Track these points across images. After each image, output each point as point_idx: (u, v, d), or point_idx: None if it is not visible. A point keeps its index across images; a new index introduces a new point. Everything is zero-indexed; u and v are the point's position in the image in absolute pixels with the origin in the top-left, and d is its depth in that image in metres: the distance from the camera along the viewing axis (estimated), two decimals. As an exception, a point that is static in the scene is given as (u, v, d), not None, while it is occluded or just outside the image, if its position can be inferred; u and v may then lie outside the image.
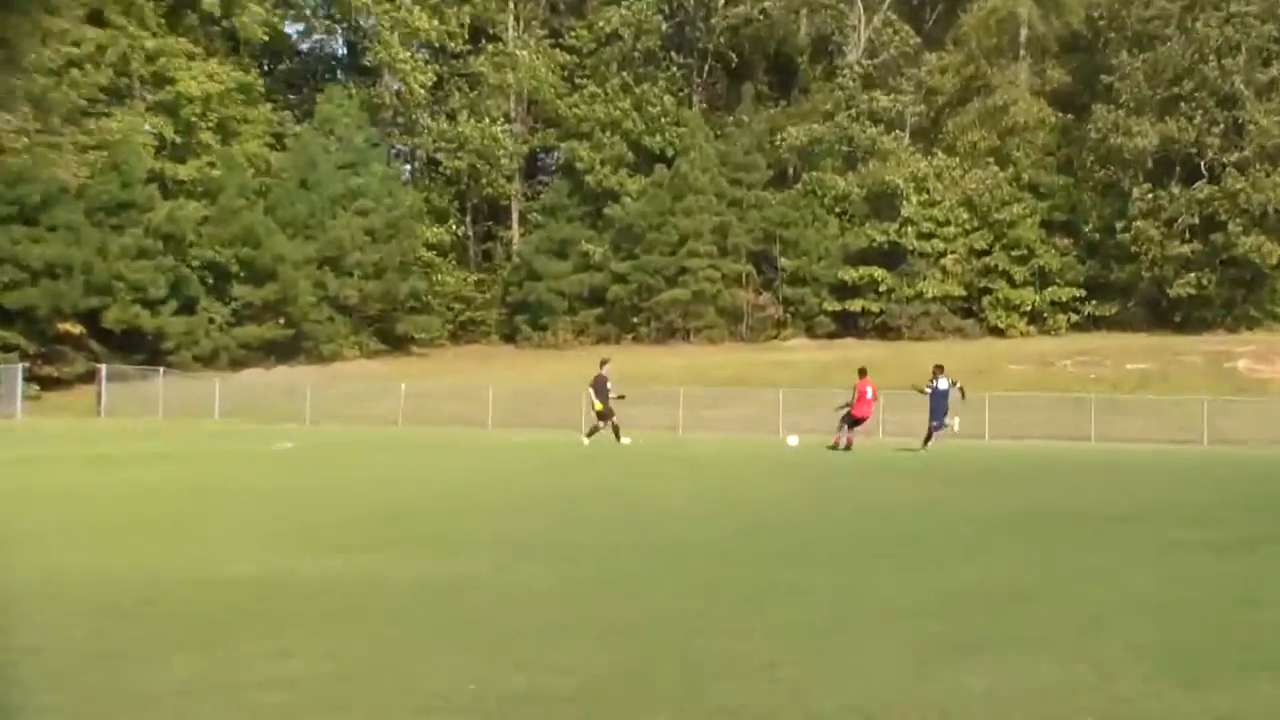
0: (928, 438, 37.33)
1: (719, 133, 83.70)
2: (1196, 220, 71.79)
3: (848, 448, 37.13)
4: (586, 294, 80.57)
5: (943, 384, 36.96)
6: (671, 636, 9.23)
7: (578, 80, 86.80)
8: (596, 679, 7.94)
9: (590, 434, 39.54)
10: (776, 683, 7.95)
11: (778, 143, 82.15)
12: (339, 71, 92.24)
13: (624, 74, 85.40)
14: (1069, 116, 78.68)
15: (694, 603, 10.60)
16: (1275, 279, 72.25)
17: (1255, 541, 15.41)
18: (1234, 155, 71.41)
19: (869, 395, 38.45)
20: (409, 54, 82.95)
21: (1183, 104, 72.55)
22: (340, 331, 74.39)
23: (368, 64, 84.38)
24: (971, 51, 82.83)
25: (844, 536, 15.84)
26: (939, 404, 37.17)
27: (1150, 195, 72.13)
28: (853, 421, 38.33)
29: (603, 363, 40.57)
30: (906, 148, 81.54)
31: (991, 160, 78.53)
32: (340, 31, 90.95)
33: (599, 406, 39.24)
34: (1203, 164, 72.66)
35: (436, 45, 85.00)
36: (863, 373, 39.17)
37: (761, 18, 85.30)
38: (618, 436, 38.80)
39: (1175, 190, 72.11)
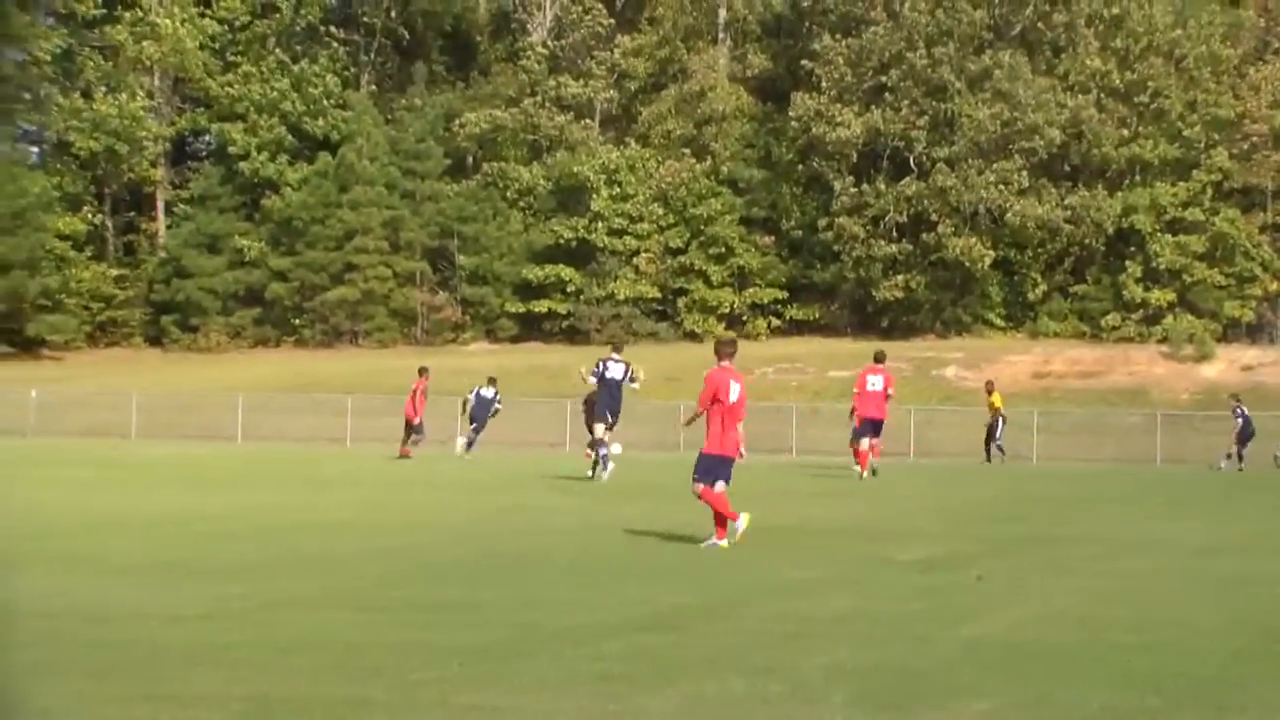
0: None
1: (389, 117, 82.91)
2: (904, 218, 73.62)
3: (873, 474, 32.04)
4: (242, 293, 79.13)
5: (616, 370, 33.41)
6: (329, 660, 8.97)
7: (230, 57, 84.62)
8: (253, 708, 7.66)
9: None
10: (448, 709, 7.81)
11: (455, 130, 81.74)
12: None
13: (280, 51, 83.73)
14: (770, 105, 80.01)
15: (361, 619, 10.33)
16: (986, 282, 74.58)
17: (961, 559, 15.84)
18: (944, 150, 73.48)
19: (870, 387, 33.00)
20: (27, 19, 79.82)
21: (890, 94, 74.38)
22: (-42, 333, 71.61)
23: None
24: (667, 33, 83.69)
25: (528, 553, 15.73)
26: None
27: (854, 190, 73.63)
28: (859, 432, 33.09)
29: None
30: (597, 137, 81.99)
31: (688, 151, 79.43)
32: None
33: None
34: (911, 158, 74.62)
35: (64, 10, 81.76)
36: (878, 358, 34.20)
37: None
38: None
39: (882, 186, 73.74)
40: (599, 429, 29.86)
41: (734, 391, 17.00)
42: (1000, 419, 46.38)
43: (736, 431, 17.07)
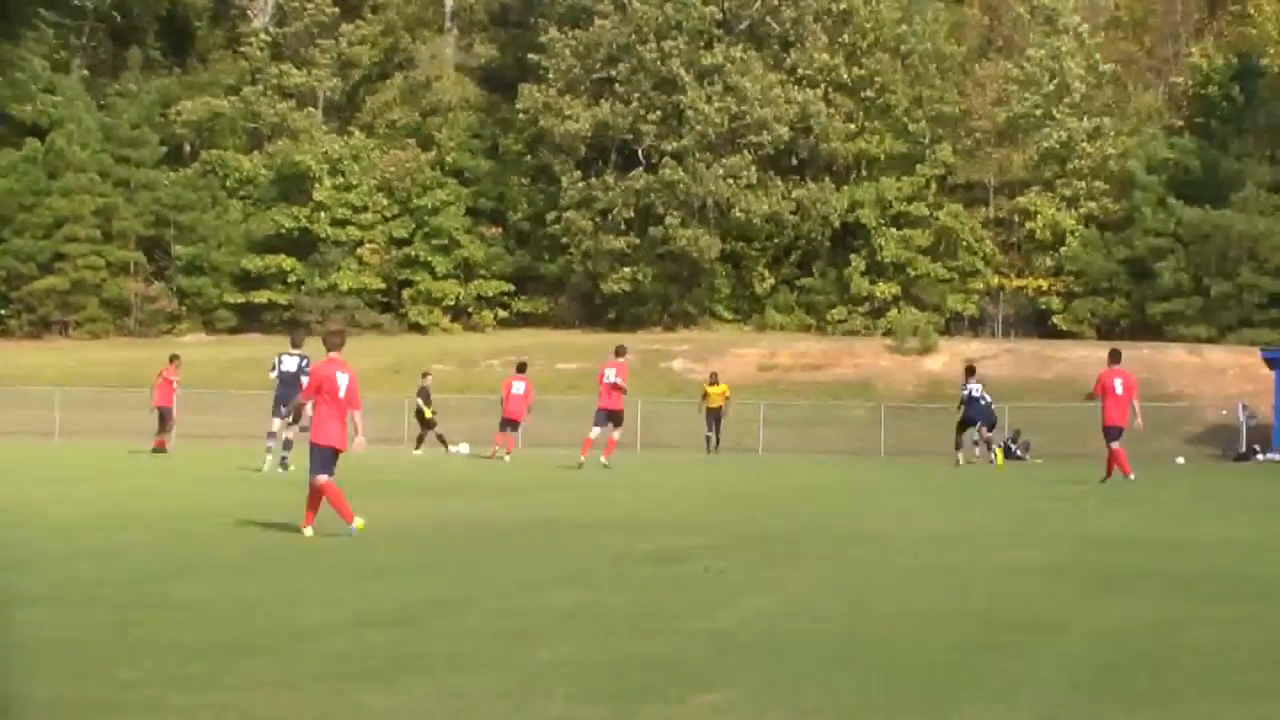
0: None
1: (102, 103, 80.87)
2: (632, 212, 74.08)
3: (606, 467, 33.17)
4: (-57, 282, 76.43)
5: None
6: (37, 660, 8.71)
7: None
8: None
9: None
10: (161, 710, 7.63)
11: (172, 117, 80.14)
12: None
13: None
14: (498, 96, 79.83)
15: (72, 617, 10.02)
16: (714, 274, 75.36)
17: (691, 551, 15.95)
18: (673, 144, 73.99)
19: (606, 379, 34.64)
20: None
21: (619, 87, 74.78)
22: None
23: None
24: (391, 21, 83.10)
25: (254, 551, 15.48)
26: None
27: (582, 184, 73.91)
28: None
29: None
30: (320, 126, 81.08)
31: (413, 141, 78.95)
32: None
33: (429, 413, 43.76)
34: (640, 151, 75.10)
35: None
36: (618, 351, 35.81)
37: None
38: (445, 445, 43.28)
39: (610, 179, 74.11)
40: (275, 423, 30.41)
41: (341, 384, 17.07)
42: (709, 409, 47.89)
43: (343, 423, 17.18)
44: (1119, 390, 30.43)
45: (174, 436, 40.39)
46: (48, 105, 78.92)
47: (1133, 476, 29.45)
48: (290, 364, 30.45)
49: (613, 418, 34.06)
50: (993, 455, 42.72)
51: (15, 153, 77.61)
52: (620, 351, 35.62)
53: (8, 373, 59.09)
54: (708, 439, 48.30)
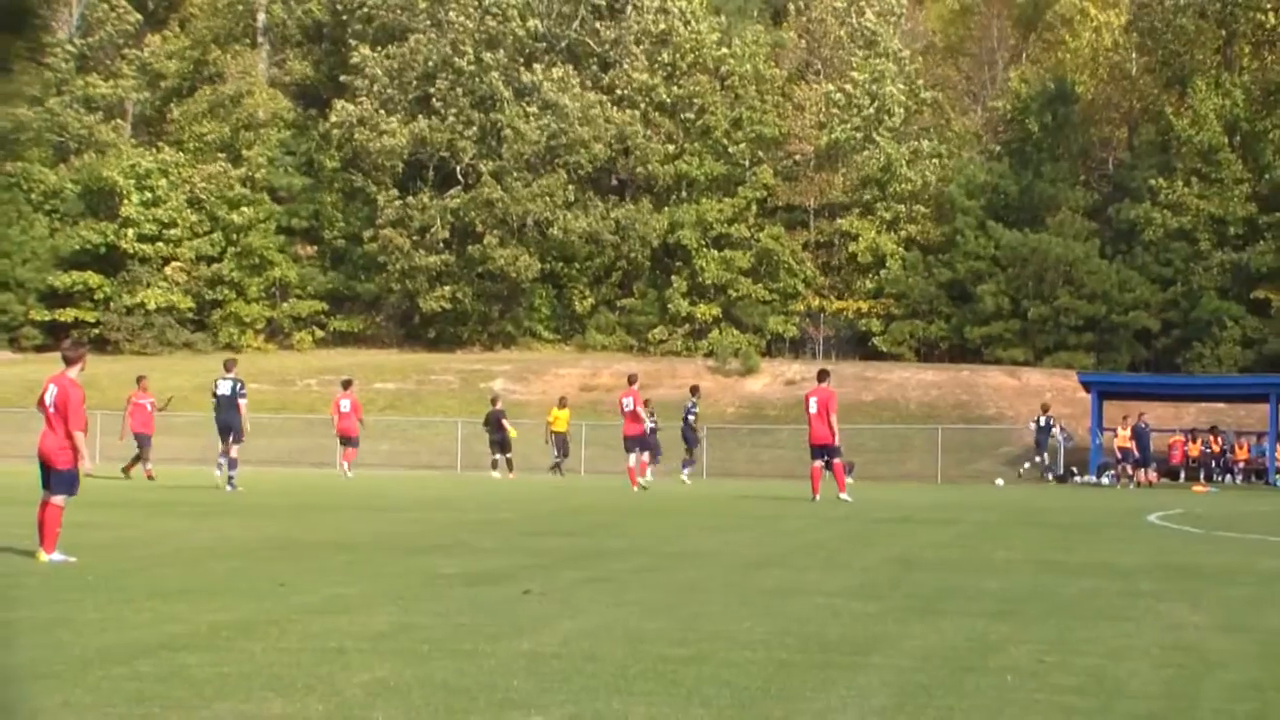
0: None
1: (-100, 113, 79.16)
2: (450, 231, 73.88)
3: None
4: None
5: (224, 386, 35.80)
6: None
7: None
8: None
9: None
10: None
11: (-27, 127, 78.68)
12: None
13: None
14: (314, 111, 79.28)
15: None
16: (533, 294, 75.40)
17: (509, 572, 15.93)
18: (492, 163, 73.90)
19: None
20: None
21: (436, 103, 74.51)
22: None
23: None
24: (200, 35, 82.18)
25: (52, 573, 15.20)
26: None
27: (399, 202, 73.55)
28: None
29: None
30: (128, 139, 79.93)
31: (224, 157, 78.04)
32: None
33: (515, 433, 46.46)
34: (458, 169, 74.92)
35: None
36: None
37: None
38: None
39: (427, 198, 73.83)
40: (223, 445, 33.62)
41: (49, 394, 16.96)
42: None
43: (58, 438, 16.86)
44: (813, 409, 31.88)
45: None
46: None
47: (817, 498, 31.20)
48: (225, 388, 33.64)
49: (638, 443, 37.82)
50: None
51: None
52: (632, 380, 39.69)
53: None
54: (556, 464, 48.79)
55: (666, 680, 9.27)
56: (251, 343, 75.15)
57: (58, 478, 16.77)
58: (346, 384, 44.41)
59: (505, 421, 46.65)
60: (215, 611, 12.17)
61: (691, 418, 45.34)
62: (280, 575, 15.24)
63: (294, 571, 15.63)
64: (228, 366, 34.97)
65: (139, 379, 40.84)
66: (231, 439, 33.40)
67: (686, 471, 44.87)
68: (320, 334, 76.59)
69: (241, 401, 33.87)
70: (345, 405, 43.22)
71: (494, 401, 48.47)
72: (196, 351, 72.72)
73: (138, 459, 38.97)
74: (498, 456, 46.48)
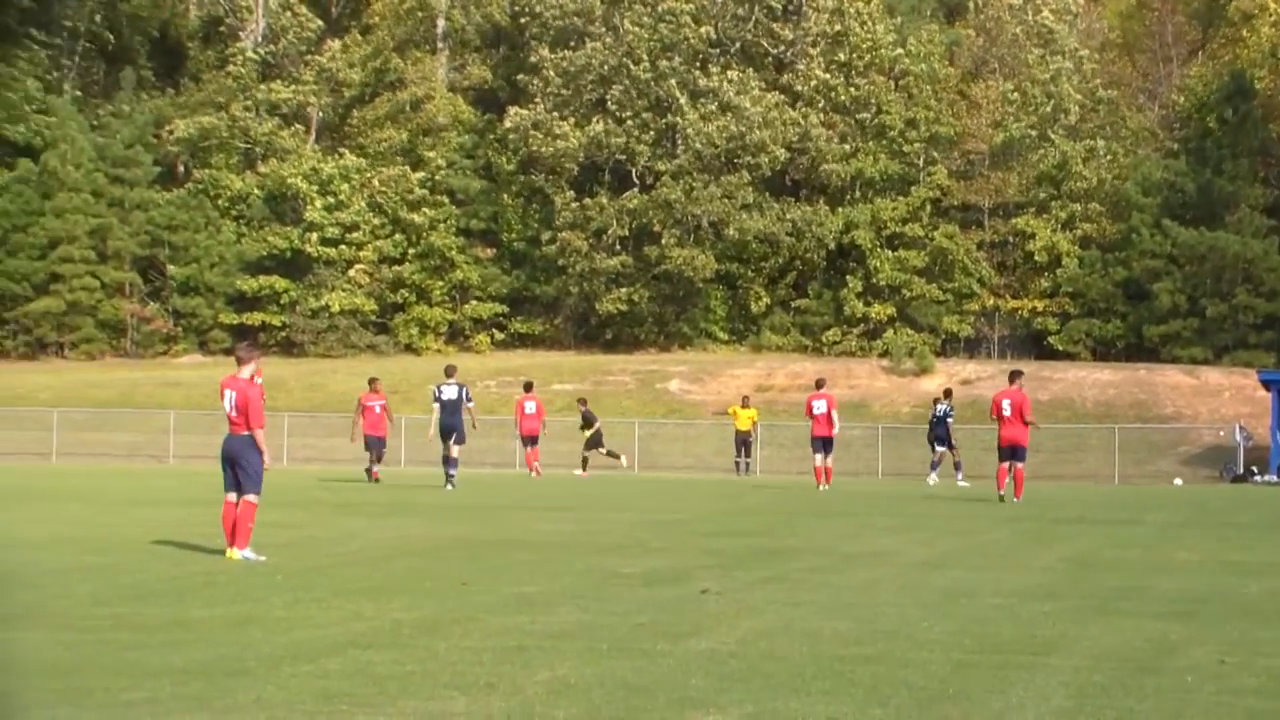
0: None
1: (95, 124, 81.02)
2: (627, 232, 74.15)
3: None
4: (-62, 303, 76.40)
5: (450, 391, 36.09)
6: (37, 681, 8.72)
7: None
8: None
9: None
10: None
11: (164, 136, 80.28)
12: None
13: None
14: (491, 115, 79.84)
15: (68, 638, 10.04)
16: (708, 294, 75.45)
17: (686, 572, 15.97)
18: (668, 164, 74.06)
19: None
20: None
21: (612, 107, 74.81)
22: None
23: None
24: (381, 42, 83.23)
25: (246, 571, 15.51)
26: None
27: (576, 205, 73.86)
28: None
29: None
30: (311, 145, 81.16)
31: (403, 160, 78.96)
32: None
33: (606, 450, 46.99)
34: (634, 172, 75.17)
35: None
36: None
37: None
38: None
39: (604, 200, 74.07)
40: (445, 446, 34.98)
41: (228, 398, 17.62)
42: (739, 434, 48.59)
43: (243, 438, 17.54)
44: (1007, 411, 31.74)
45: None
46: (40, 126, 79.08)
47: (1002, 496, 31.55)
48: (451, 392, 35.03)
49: (827, 445, 37.70)
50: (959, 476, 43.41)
51: (8, 173, 77.69)
52: (820, 384, 39.52)
53: (5, 394, 59.18)
54: (737, 463, 49.03)
55: (844, 680, 9.29)
56: (432, 345, 75.84)
57: (246, 477, 17.32)
58: (528, 386, 45.04)
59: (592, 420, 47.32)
60: (400, 610, 12.37)
61: (950, 420, 44.27)
62: (462, 574, 15.43)
63: (476, 570, 15.82)
64: (449, 372, 36.06)
65: (371, 381, 41.07)
66: (454, 440, 34.73)
67: (934, 475, 43.68)
68: (499, 335, 77.13)
69: (469, 405, 35.43)
70: (530, 407, 43.92)
71: (583, 402, 48.96)
72: (379, 354, 73.52)
73: (375, 460, 39.18)
74: (589, 454, 46.67)
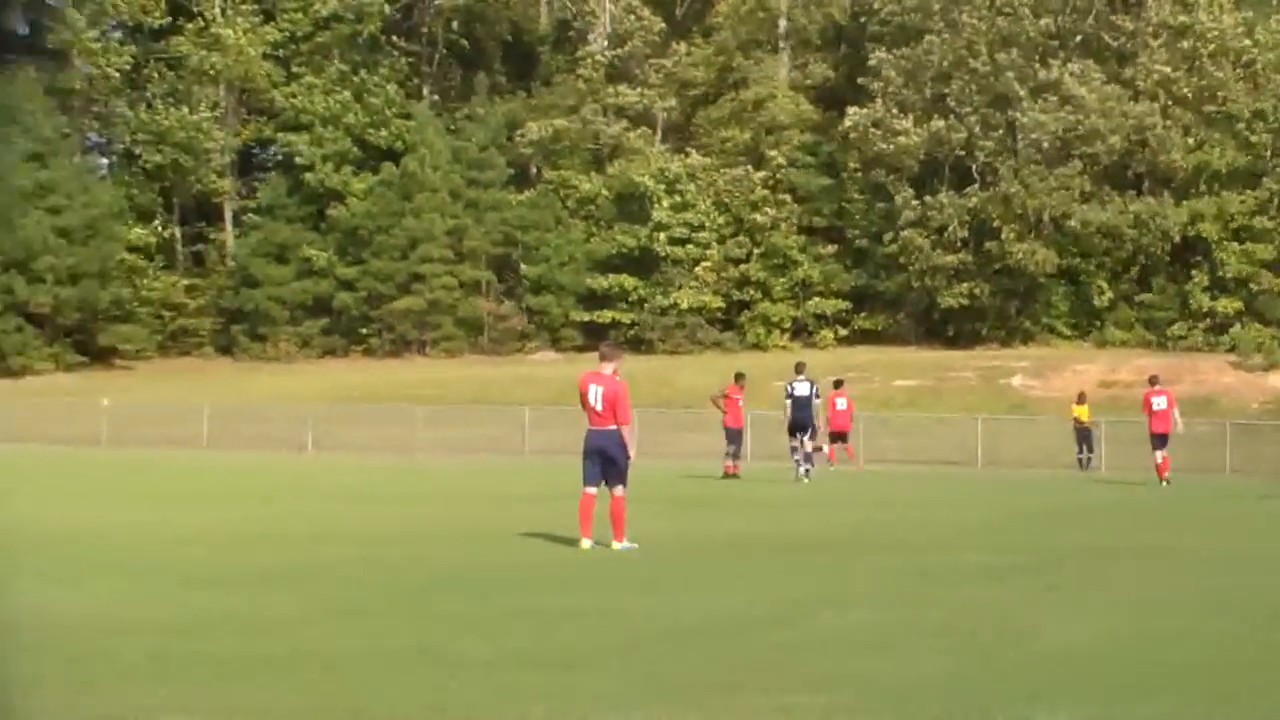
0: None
1: (452, 127, 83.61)
2: (967, 231, 73.74)
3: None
4: (310, 302, 79.78)
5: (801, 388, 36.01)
6: (378, 670, 9.39)
7: (294, 68, 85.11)
8: None
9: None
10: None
11: (517, 139, 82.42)
12: (21, 54, 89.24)
13: (341, 62, 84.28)
14: (833, 113, 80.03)
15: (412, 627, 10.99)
16: (1050, 289, 74.68)
17: (1014, 570, 16.16)
18: (1009, 159, 73.53)
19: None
20: (98, 33, 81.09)
21: (951, 102, 74.56)
22: (31, 343, 72.98)
23: (51, 45, 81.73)
24: (725, 42, 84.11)
25: (551, 561, 16.32)
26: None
27: (916, 203, 73.76)
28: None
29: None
30: (657, 145, 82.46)
31: (745, 159, 79.83)
32: (19, 9, 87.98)
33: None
34: (974, 168, 74.78)
35: (130, 23, 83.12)
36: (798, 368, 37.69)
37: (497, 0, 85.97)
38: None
39: (944, 198, 73.85)
40: (799, 439, 35.52)
41: (593, 393, 17.98)
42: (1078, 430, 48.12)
43: (611, 433, 17.96)
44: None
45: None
46: (401, 130, 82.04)
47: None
48: (803, 389, 35.62)
49: (1165, 440, 38.28)
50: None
51: (372, 176, 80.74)
52: (1154, 380, 39.73)
53: (371, 390, 61.23)
54: (1080, 459, 48.77)
55: (1185, 685, 9.29)
56: (777, 342, 76.41)
57: (615, 471, 17.90)
58: (838, 384, 45.71)
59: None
60: (738, 604, 12.91)
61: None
62: (777, 569, 15.96)
63: (798, 565, 16.28)
64: (799, 369, 36.81)
65: (737, 375, 41.15)
66: (806, 436, 35.45)
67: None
68: (843, 331, 77.37)
69: (817, 402, 36.21)
70: (841, 404, 44.83)
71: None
72: (725, 351, 74.08)
73: (733, 455, 39.25)
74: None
